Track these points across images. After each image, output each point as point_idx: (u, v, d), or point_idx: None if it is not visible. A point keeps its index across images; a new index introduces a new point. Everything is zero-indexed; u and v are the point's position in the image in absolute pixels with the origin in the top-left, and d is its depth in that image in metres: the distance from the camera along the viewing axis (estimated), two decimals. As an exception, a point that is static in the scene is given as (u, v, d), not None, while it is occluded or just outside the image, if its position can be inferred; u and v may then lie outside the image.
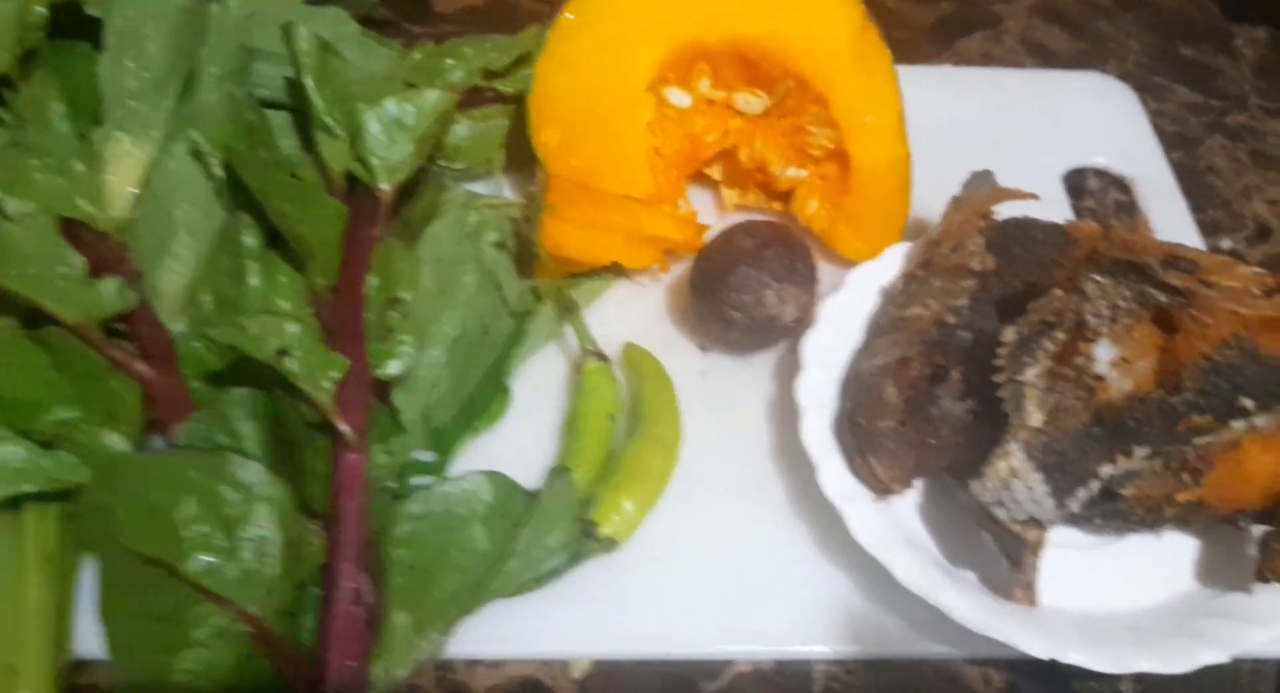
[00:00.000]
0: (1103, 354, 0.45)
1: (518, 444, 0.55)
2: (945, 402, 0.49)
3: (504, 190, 0.65)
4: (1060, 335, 0.45)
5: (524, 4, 0.79)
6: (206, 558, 0.42)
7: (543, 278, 0.59)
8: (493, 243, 0.60)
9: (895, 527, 0.49)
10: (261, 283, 0.51)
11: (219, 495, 0.42)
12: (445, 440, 0.53)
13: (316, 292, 0.51)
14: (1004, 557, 0.47)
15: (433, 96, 0.55)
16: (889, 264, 0.58)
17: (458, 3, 0.79)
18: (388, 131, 0.55)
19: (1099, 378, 0.45)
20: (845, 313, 0.56)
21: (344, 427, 0.45)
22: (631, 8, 0.60)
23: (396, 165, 0.55)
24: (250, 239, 0.53)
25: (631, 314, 0.60)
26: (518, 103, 0.65)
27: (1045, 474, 0.46)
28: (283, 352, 0.45)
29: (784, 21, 0.60)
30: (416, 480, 0.51)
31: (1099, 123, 0.72)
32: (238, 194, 0.54)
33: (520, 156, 0.64)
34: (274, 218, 0.51)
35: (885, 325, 0.53)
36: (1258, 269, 0.46)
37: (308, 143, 0.60)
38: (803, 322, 0.56)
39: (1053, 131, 0.72)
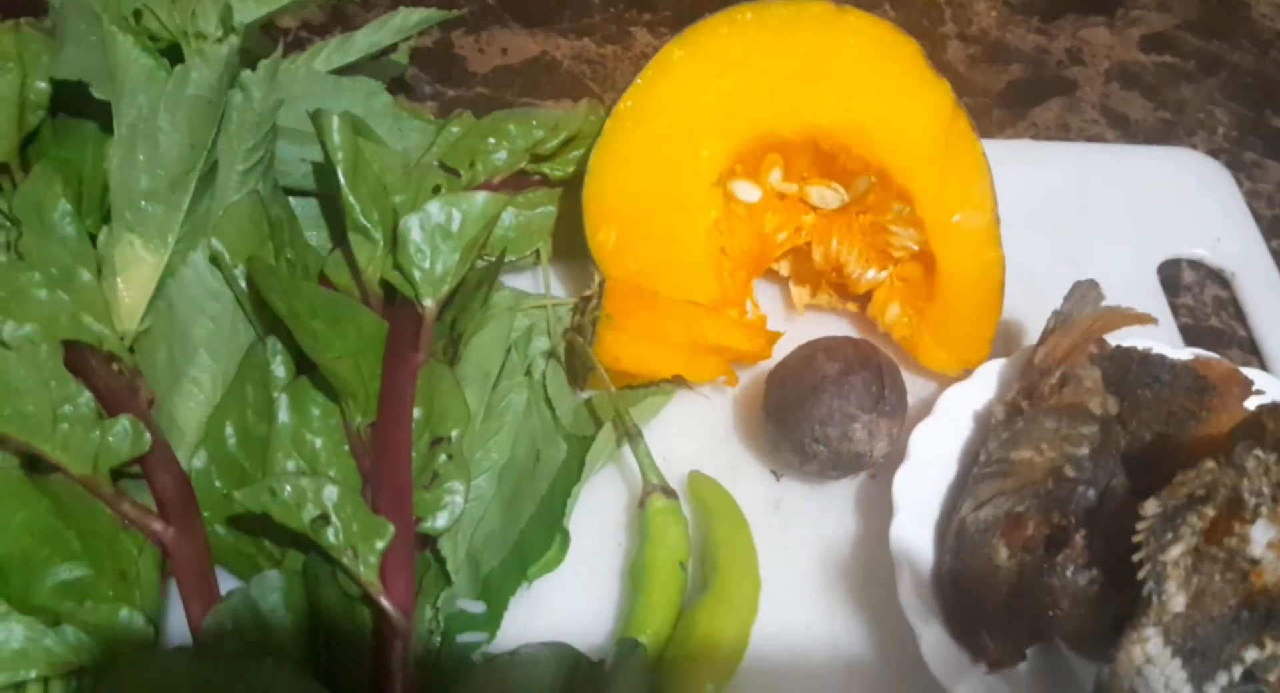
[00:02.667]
0: (1259, 536, 0.40)
1: (573, 590, 0.49)
2: (1067, 571, 0.43)
3: (550, 283, 0.58)
4: (1210, 511, 0.40)
5: (564, 64, 0.73)
6: (237, 786, 0.36)
7: (597, 390, 0.54)
8: (542, 352, 0.54)
9: (1008, 704, 0.44)
10: (292, 419, 0.45)
11: (250, 709, 0.37)
12: (496, 589, 0.47)
13: (354, 427, 0.46)
14: (1137, 753, 0.41)
15: (480, 200, 0.49)
16: (982, 385, 0.52)
17: (492, 61, 0.73)
18: (431, 240, 0.49)
19: (1254, 561, 0.40)
20: (937, 444, 0.50)
21: (390, 606, 0.39)
22: (696, 96, 0.54)
23: (441, 278, 0.49)
24: (279, 368, 0.47)
25: (695, 432, 0.54)
26: (565, 187, 0.59)
27: (1184, 660, 0.41)
28: (321, 519, 0.39)
29: (865, 110, 0.54)
30: (465, 637, 0.46)
31: (1192, 205, 0.67)
32: (263, 309, 0.49)
33: (568, 245, 0.59)
34: (305, 346, 0.45)
35: (989, 468, 0.47)
36: None
37: (339, 236, 0.54)
38: (891, 455, 0.50)
39: (1143, 215, 0.66)
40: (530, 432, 0.51)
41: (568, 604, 0.48)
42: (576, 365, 0.54)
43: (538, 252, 0.59)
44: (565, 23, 0.75)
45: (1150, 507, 0.40)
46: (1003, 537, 0.44)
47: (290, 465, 0.44)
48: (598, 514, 0.51)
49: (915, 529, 0.48)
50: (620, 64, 0.73)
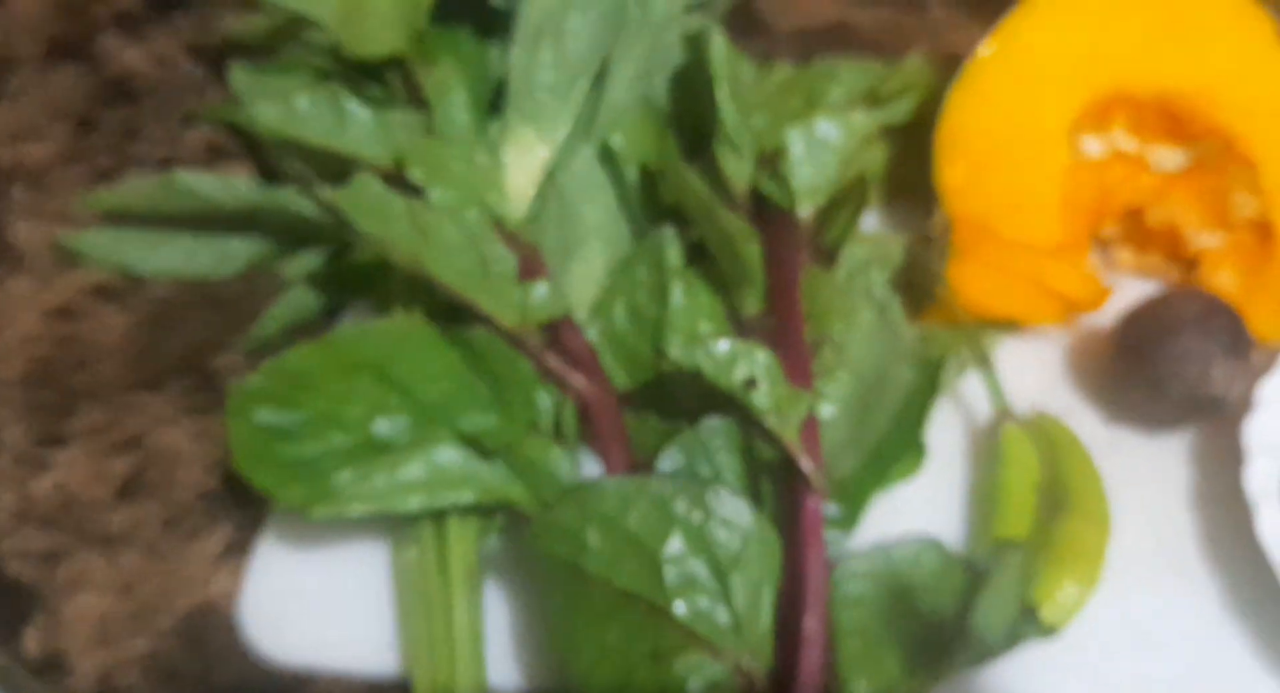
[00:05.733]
0: None
1: (914, 506, 0.50)
2: None
3: (874, 226, 0.60)
4: None
5: (863, 28, 0.75)
6: (699, 600, 0.38)
7: (933, 324, 0.55)
8: (881, 282, 0.56)
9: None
10: (686, 302, 0.48)
11: (708, 533, 0.39)
12: (853, 494, 0.48)
13: (743, 319, 0.48)
14: None
15: (860, 117, 0.52)
16: (1327, 347, 0.53)
17: (793, 21, 0.76)
18: (812, 152, 0.51)
19: None
20: (1284, 398, 0.51)
21: (811, 468, 0.41)
22: (1057, 47, 0.55)
23: (818, 189, 0.51)
24: (673, 254, 0.49)
25: (1023, 374, 0.55)
26: (892, 134, 0.61)
27: None
28: (750, 382, 0.41)
29: (1218, 75, 0.55)
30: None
31: None
32: (651, 204, 0.51)
33: (892, 191, 0.61)
34: (708, 236, 0.48)
35: (1354, 419, 0.48)
36: None
37: (688, 155, 0.56)
38: (1240, 403, 0.51)
39: None
40: (876, 352, 0.53)
41: (908, 518, 0.49)
42: (918, 296, 0.55)
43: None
44: (860, -8, 0.78)
45: None
46: (1379, 480, 0.45)
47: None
48: (933, 439, 0.52)
49: (1267, 475, 0.48)
50: (918, 33, 0.75)
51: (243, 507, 0.49)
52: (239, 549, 0.48)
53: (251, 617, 0.46)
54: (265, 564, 0.47)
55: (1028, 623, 0.44)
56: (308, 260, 0.57)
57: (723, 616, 0.38)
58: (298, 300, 0.55)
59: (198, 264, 0.58)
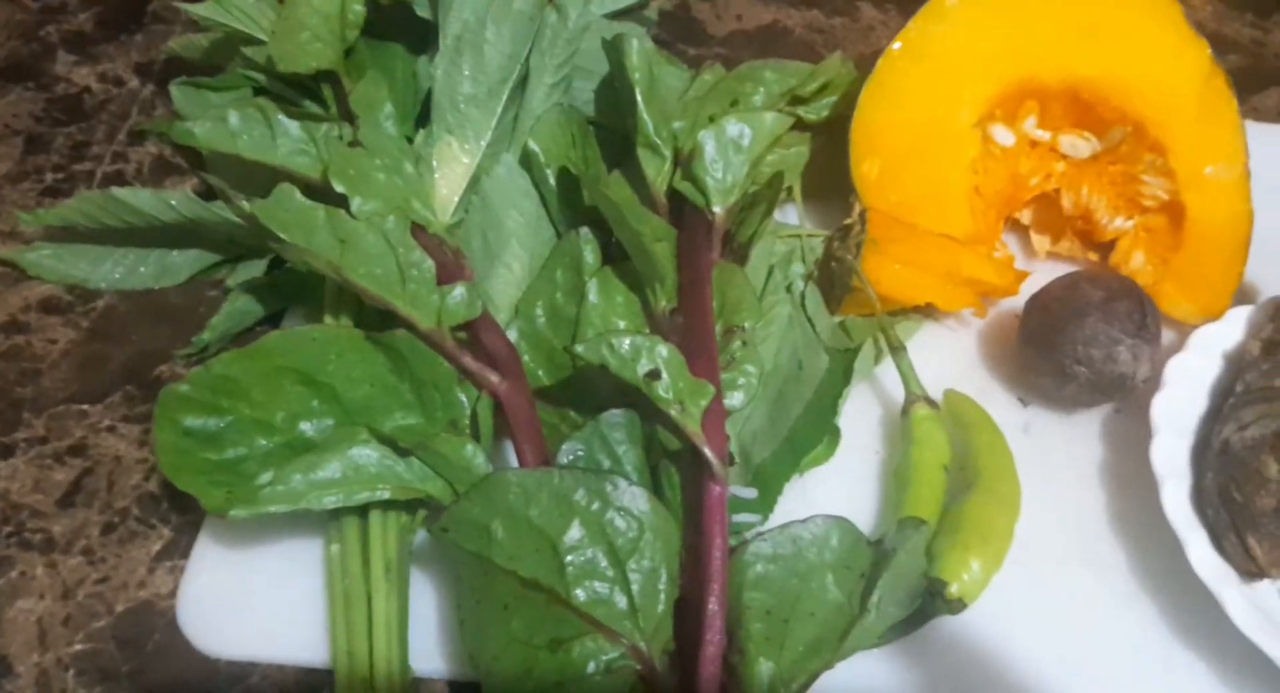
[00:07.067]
0: None
1: (834, 488, 0.52)
2: (1339, 483, 0.45)
3: (798, 221, 0.62)
4: None
5: (795, 31, 0.77)
6: (597, 587, 0.39)
7: (850, 314, 0.57)
8: (800, 275, 0.58)
9: (1269, 614, 0.46)
10: (600, 300, 0.50)
11: (606, 522, 0.40)
12: (769, 478, 0.50)
13: (655, 314, 0.49)
14: None
15: (770, 119, 0.53)
16: (1231, 327, 0.54)
17: (729, 26, 0.77)
18: (723, 152, 0.53)
19: None
20: (1190, 376, 0.53)
21: (711, 456, 0.43)
22: (965, 41, 0.57)
23: (730, 187, 0.53)
24: (590, 255, 0.51)
25: (942, 359, 0.57)
26: (815, 130, 0.63)
27: None
28: (653, 374, 0.43)
29: (1126, 63, 0.57)
30: (739, 517, 0.49)
31: None
32: (570, 206, 0.53)
33: (817, 185, 0.62)
34: (622, 236, 0.49)
35: (1250, 393, 0.49)
36: None
37: (614, 160, 0.58)
38: (1148, 382, 0.52)
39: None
40: (793, 342, 0.55)
41: (830, 501, 0.51)
42: (835, 288, 0.57)
43: (789, 188, 0.62)
44: (795, -5, 0.80)
45: None
46: (1272, 452, 0.46)
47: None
48: (853, 425, 0.54)
49: (1173, 451, 0.50)
50: (849, 34, 0.77)
51: (180, 510, 0.50)
52: (176, 551, 0.49)
53: (189, 614, 0.47)
54: (202, 564, 0.48)
55: (933, 601, 0.46)
56: (248, 270, 0.59)
57: (620, 600, 0.39)
58: (239, 309, 0.57)
59: (142, 276, 0.60)
